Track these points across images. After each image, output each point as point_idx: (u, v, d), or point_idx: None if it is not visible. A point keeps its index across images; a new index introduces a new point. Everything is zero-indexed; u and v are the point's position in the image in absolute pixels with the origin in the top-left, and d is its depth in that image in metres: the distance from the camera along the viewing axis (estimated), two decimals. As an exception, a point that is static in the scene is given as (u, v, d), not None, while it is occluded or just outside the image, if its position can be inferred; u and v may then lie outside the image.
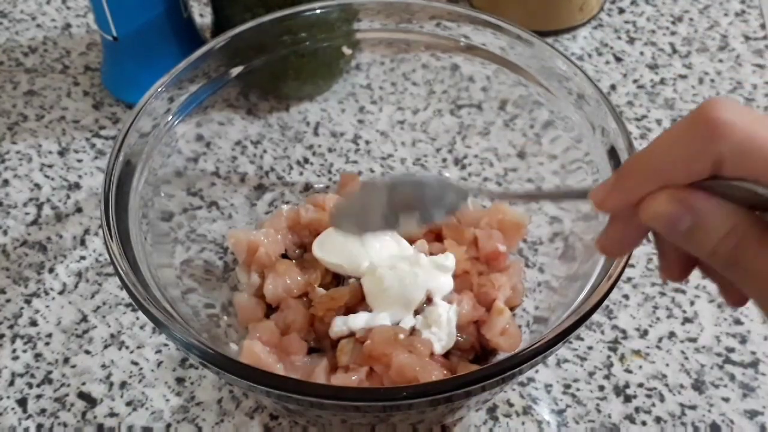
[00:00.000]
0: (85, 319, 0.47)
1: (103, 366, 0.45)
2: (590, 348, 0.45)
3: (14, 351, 0.45)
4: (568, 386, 0.44)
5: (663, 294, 0.47)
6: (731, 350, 0.45)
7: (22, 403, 0.43)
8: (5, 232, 0.51)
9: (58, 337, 0.46)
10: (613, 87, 0.59)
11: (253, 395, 0.42)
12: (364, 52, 0.50)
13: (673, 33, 0.63)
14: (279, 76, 0.50)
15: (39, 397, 0.43)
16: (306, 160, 0.51)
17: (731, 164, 0.25)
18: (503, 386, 0.41)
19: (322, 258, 0.44)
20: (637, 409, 0.43)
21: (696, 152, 0.25)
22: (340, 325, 0.41)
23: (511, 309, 0.44)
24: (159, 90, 0.42)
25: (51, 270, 0.49)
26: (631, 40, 0.63)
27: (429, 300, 0.42)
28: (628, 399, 0.43)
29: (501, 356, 0.42)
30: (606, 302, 0.35)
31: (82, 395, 0.44)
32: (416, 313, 0.42)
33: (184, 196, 0.46)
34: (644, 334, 0.46)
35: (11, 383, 0.44)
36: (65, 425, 0.42)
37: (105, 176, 0.38)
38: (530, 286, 0.45)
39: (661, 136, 0.27)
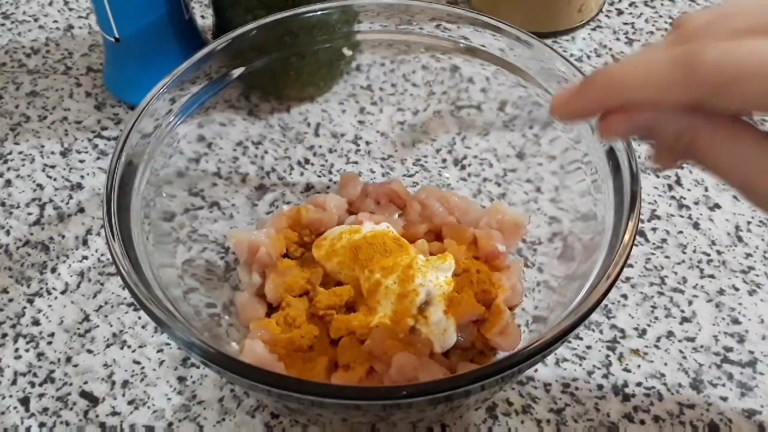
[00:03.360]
0: (87, 318, 0.47)
1: (105, 365, 0.45)
2: (589, 347, 0.45)
3: (17, 350, 0.46)
4: (567, 385, 0.44)
5: (661, 294, 0.48)
6: (729, 350, 0.45)
7: (25, 402, 0.44)
8: (8, 232, 0.51)
9: (61, 336, 0.46)
10: (612, 88, 0.59)
11: (254, 394, 0.43)
12: (365, 54, 0.50)
13: (672, 34, 0.64)
14: (280, 77, 0.50)
15: (41, 396, 0.44)
16: (307, 161, 0.52)
17: (712, 104, 0.25)
18: (502, 385, 0.41)
19: (322, 258, 0.44)
20: (635, 408, 0.43)
21: (673, 87, 0.25)
22: (340, 323, 0.42)
23: (511, 308, 0.44)
24: (161, 91, 0.42)
25: (53, 270, 0.49)
26: (630, 42, 0.63)
27: (429, 300, 0.42)
28: (626, 398, 0.43)
29: (500, 355, 0.43)
30: (604, 302, 0.36)
31: (84, 394, 0.44)
32: (416, 312, 0.42)
33: (186, 197, 0.46)
34: (643, 333, 0.46)
35: (14, 382, 0.44)
36: (67, 424, 0.43)
37: (107, 176, 0.38)
38: (529, 285, 0.45)
39: (638, 57, 0.27)
